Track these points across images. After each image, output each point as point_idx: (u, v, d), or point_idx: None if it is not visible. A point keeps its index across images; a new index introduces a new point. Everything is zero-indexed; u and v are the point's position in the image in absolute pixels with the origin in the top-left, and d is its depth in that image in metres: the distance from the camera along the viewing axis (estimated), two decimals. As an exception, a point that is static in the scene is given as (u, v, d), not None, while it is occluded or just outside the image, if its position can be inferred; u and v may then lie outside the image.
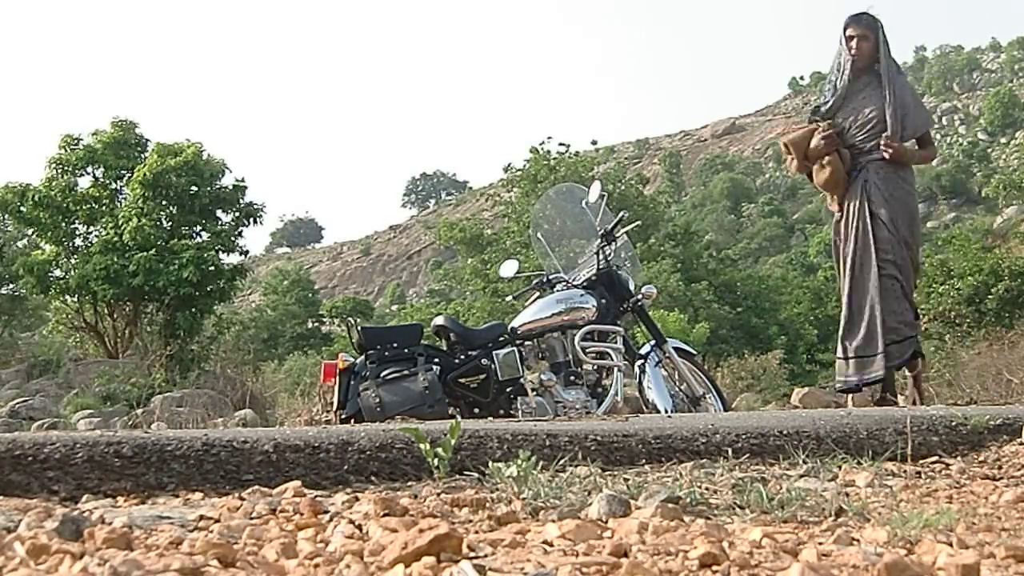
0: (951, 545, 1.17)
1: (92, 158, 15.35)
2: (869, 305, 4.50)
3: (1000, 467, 2.16)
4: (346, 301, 42.58)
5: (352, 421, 4.51)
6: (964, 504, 1.60)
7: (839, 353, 4.68)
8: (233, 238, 15.38)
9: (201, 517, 1.38)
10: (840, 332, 4.64)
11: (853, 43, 4.62)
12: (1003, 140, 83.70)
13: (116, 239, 14.40)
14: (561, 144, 27.41)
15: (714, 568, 1.05)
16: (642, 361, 5.02)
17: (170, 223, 15.09)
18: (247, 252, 16.15)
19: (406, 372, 4.73)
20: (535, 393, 4.86)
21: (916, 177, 4.91)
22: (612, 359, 4.95)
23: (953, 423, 2.53)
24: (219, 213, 15.51)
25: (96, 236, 15.09)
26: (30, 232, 16.39)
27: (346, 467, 1.83)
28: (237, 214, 15.57)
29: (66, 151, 15.26)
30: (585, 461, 1.91)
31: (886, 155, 4.51)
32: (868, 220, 4.55)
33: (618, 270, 5.24)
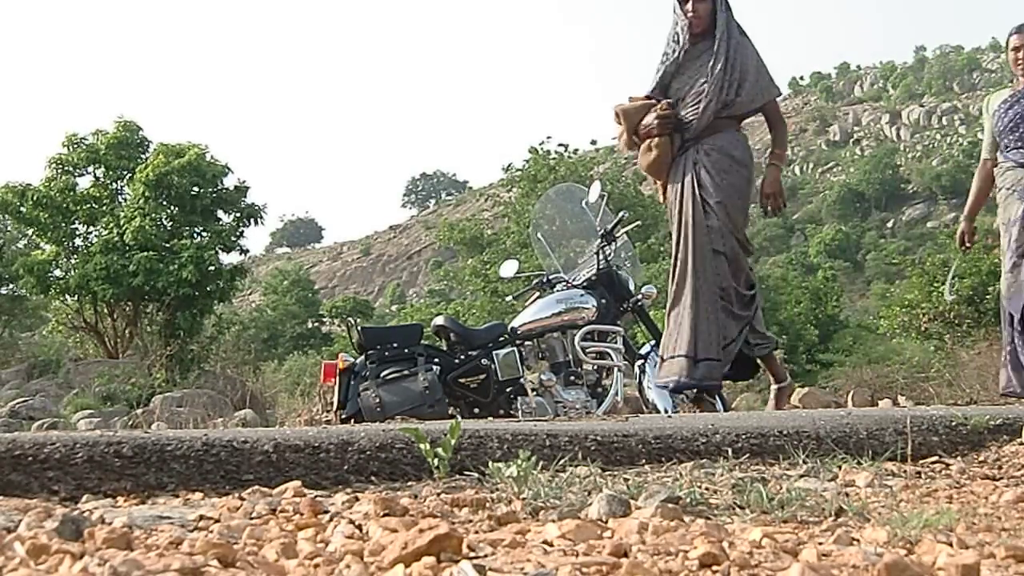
0: (951, 545, 1.17)
1: (94, 158, 15.35)
2: (694, 308, 4.00)
3: (1000, 467, 2.16)
4: (346, 301, 42.59)
5: (352, 421, 4.52)
6: (964, 504, 1.60)
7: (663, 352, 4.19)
8: (234, 238, 15.39)
9: (201, 517, 1.38)
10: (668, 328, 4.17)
11: (688, 6, 4.13)
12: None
13: (116, 239, 14.41)
14: (560, 144, 27.43)
15: (714, 568, 1.05)
16: (642, 361, 5.02)
17: (171, 223, 15.10)
18: (247, 251, 16.16)
19: (406, 372, 4.74)
20: (535, 393, 4.86)
21: (750, 153, 4.35)
22: (612, 359, 4.95)
23: (953, 423, 2.53)
24: (220, 213, 15.53)
25: (96, 236, 15.10)
26: (30, 232, 16.39)
27: (346, 467, 1.83)
28: (238, 214, 15.58)
29: (69, 150, 15.26)
30: (585, 461, 1.91)
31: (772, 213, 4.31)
32: (697, 208, 4.06)
33: (618, 270, 5.25)
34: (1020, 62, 4.46)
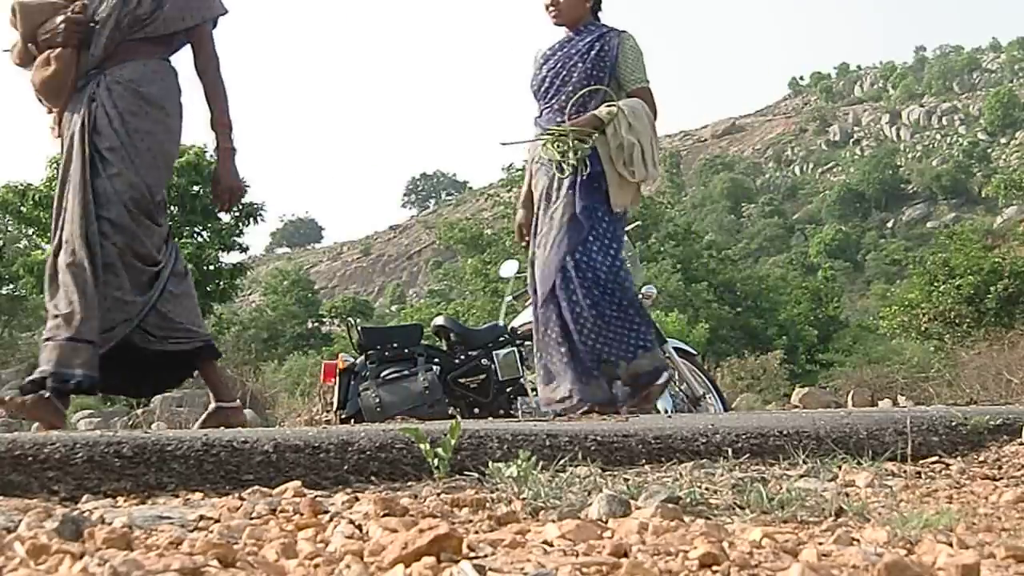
0: (951, 545, 1.17)
1: (95, 158, 15.36)
2: (79, 280, 3.05)
3: (1000, 467, 2.16)
4: (346, 301, 42.61)
5: (352, 421, 4.52)
6: (964, 504, 1.60)
7: None
8: (233, 238, 15.39)
9: (201, 517, 1.38)
10: None
11: None
12: (1003, 140, 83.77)
13: (116, 239, 14.41)
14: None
15: (714, 568, 1.05)
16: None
17: (170, 223, 15.11)
18: (247, 249, 16.17)
19: (406, 372, 4.74)
20: (535, 393, 4.86)
21: (173, 91, 3.32)
22: (612, 359, 4.94)
23: (953, 423, 2.53)
24: (220, 213, 15.53)
25: (96, 236, 15.09)
26: (30, 232, 16.40)
27: (346, 467, 1.83)
28: (238, 214, 15.59)
29: (69, 150, 15.27)
30: (585, 461, 1.91)
31: None
32: (84, 160, 3.13)
33: (618, 270, 5.24)
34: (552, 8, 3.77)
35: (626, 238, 5.53)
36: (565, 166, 3.59)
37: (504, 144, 3.82)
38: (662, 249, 25.11)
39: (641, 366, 3.52)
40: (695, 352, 5.56)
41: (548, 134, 3.64)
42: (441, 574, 1.00)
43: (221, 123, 3.36)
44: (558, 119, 3.67)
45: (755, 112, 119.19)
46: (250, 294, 53.77)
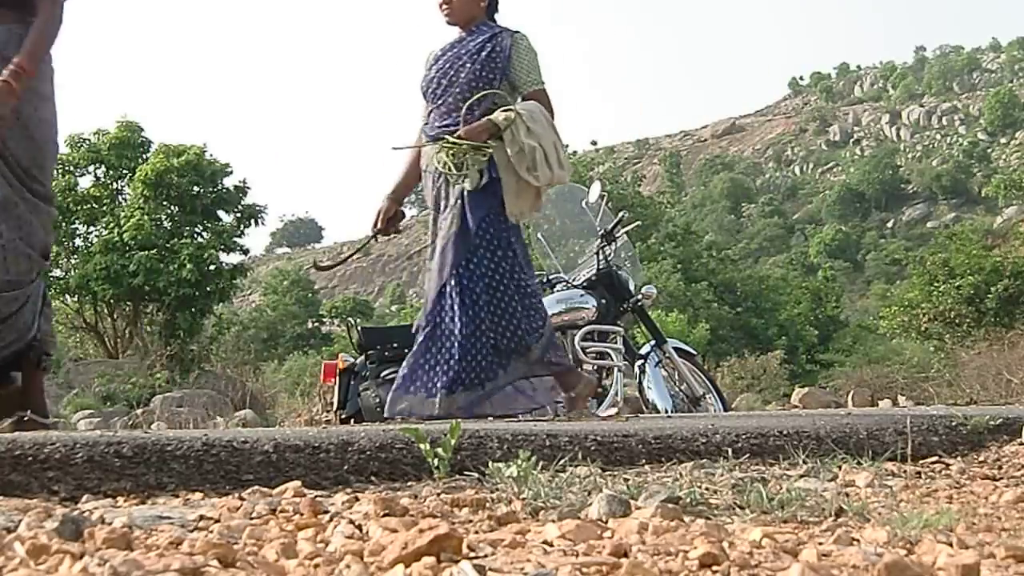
0: (951, 545, 1.17)
1: (95, 157, 15.35)
2: None
3: (1000, 467, 2.16)
4: (346, 301, 42.60)
5: (352, 421, 4.51)
6: (964, 504, 1.60)
7: None
8: (234, 238, 15.39)
9: (201, 517, 1.38)
10: None
11: None
12: (1003, 140, 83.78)
13: (116, 239, 14.40)
14: (560, 144, 27.37)
15: (714, 568, 1.05)
16: (642, 361, 5.02)
17: (171, 223, 15.10)
18: (247, 251, 16.17)
19: (406, 372, 4.73)
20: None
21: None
22: (612, 359, 4.94)
23: (953, 423, 2.53)
24: (220, 213, 15.53)
25: (96, 236, 15.10)
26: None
27: (346, 467, 1.83)
28: (238, 214, 15.58)
29: (71, 150, 15.27)
30: (585, 461, 1.91)
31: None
32: None
33: (618, 270, 5.24)
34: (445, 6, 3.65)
35: (626, 238, 5.56)
36: (459, 178, 3.46)
37: (396, 149, 3.69)
38: (662, 249, 25.11)
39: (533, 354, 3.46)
40: (695, 352, 5.56)
41: (443, 145, 3.48)
42: (441, 574, 1.00)
43: (23, 62, 2.78)
44: (446, 122, 3.53)
45: (755, 112, 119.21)
46: (250, 294, 53.79)
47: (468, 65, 3.56)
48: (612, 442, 2.12)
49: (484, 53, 3.56)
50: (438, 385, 3.39)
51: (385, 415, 3.58)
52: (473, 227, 3.42)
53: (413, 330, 3.61)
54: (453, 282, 3.42)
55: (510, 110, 3.44)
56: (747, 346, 20.73)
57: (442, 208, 3.53)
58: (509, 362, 3.46)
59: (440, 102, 3.59)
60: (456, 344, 3.39)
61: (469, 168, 3.43)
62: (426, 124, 3.64)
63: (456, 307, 3.42)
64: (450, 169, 3.46)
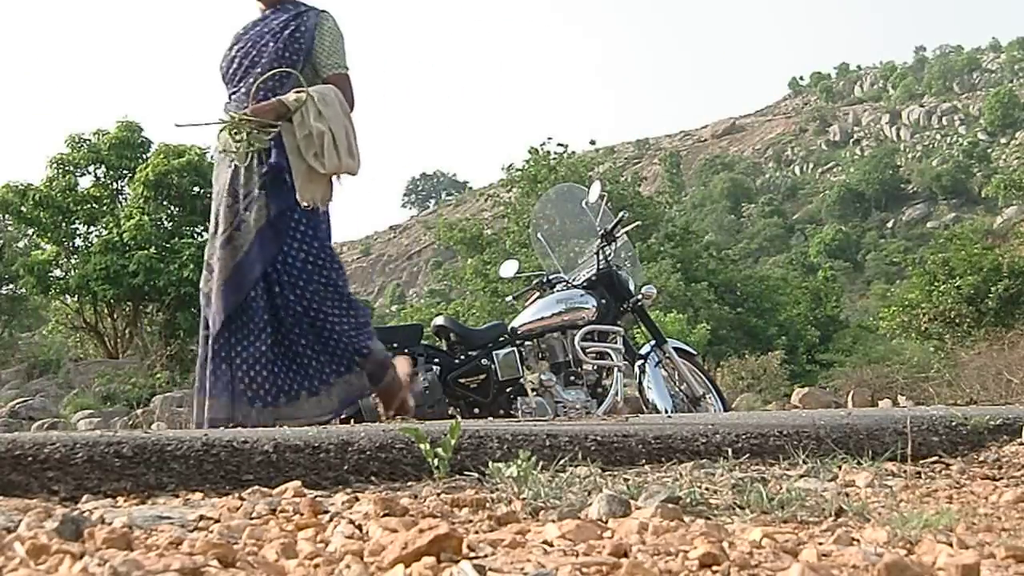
0: (951, 545, 1.17)
1: (95, 158, 15.35)
2: None
3: (1000, 467, 2.16)
4: (346, 301, 42.42)
5: (352, 421, 4.51)
6: (964, 504, 1.60)
7: None
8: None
9: (201, 517, 1.38)
10: None
11: None
12: (1003, 140, 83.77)
13: (116, 239, 14.40)
14: (560, 144, 27.41)
15: (714, 568, 1.05)
16: (642, 361, 5.02)
17: (171, 223, 15.10)
18: (248, 252, 16.16)
19: (406, 372, 4.73)
20: (535, 393, 4.86)
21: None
22: (612, 359, 4.94)
23: (953, 423, 2.53)
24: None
25: (96, 236, 15.10)
26: (30, 232, 16.40)
27: (346, 467, 1.83)
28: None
29: (71, 150, 15.27)
30: (585, 461, 1.91)
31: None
32: None
33: (618, 270, 5.24)
34: None
35: (626, 238, 5.56)
36: (240, 157, 3.26)
37: (178, 126, 3.47)
38: (662, 249, 25.10)
39: (349, 388, 3.30)
40: (695, 352, 5.56)
41: (225, 121, 3.28)
42: (441, 574, 1.00)
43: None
44: (246, 106, 3.30)
45: (755, 112, 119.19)
46: (250, 294, 53.67)
47: (271, 44, 3.35)
48: (612, 442, 2.12)
49: (287, 32, 3.35)
50: (234, 392, 3.15)
51: (194, 424, 3.32)
52: (279, 221, 3.23)
53: (205, 334, 3.30)
54: (262, 284, 3.20)
55: (302, 91, 3.23)
56: (747, 346, 20.72)
57: (240, 196, 3.29)
58: (322, 379, 3.24)
59: (241, 84, 3.36)
60: (260, 350, 3.17)
61: (250, 148, 3.23)
62: (227, 106, 3.42)
63: (263, 308, 3.20)
64: (234, 149, 3.26)
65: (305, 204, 3.26)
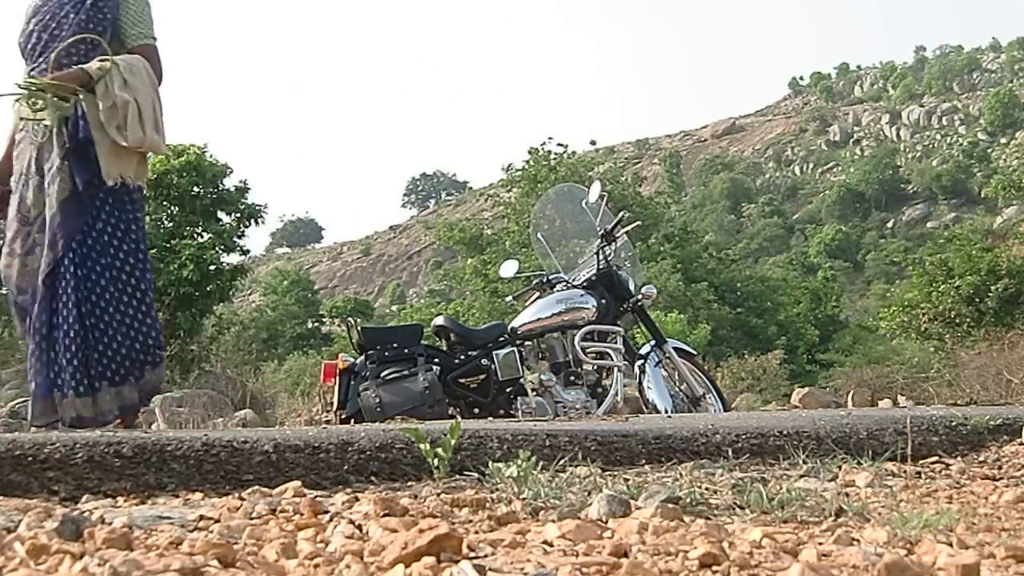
0: (951, 545, 1.17)
1: (94, 158, 15.34)
2: None
3: (1000, 467, 2.16)
4: (346, 301, 42.58)
5: (352, 421, 4.51)
6: (964, 504, 1.60)
7: None
8: (234, 238, 15.38)
9: (201, 517, 1.38)
10: None
11: None
12: (1003, 140, 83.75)
13: (116, 239, 14.39)
14: (560, 144, 27.43)
15: (714, 568, 1.05)
16: (642, 361, 5.02)
17: (171, 223, 15.09)
18: (248, 252, 16.16)
19: (406, 372, 4.73)
20: (535, 393, 4.86)
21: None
22: (612, 359, 4.94)
23: (953, 423, 2.53)
24: (220, 214, 15.51)
25: (96, 236, 15.07)
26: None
27: (346, 467, 1.83)
28: (238, 214, 15.57)
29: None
30: (585, 461, 1.91)
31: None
32: None
33: (618, 270, 5.24)
34: None
35: (626, 238, 5.56)
36: (41, 130, 3.05)
37: None
38: (662, 249, 25.11)
39: (149, 383, 3.10)
40: (695, 352, 5.56)
41: (23, 88, 3.05)
42: (441, 574, 1.00)
43: None
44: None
45: (755, 112, 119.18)
46: (250, 294, 53.77)
47: (72, 15, 3.15)
48: (612, 442, 2.12)
49: (90, 1, 3.15)
50: (58, 383, 3.06)
51: (31, 425, 3.17)
52: (85, 196, 3.02)
53: (27, 329, 3.17)
54: (67, 260, 3.00)
55: (106, 60, 3.05)
56: (747, 346, 20.71)
57: (45, 172, 3.07)
58: (110, 377, 3.04)
59: (41, 59, 3.15)
60: (71, 337, 3.00)
61: (50, 117, 3.03)
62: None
63: (71, 291, 2.99)
64: (32, 118, 3.05)
65: (111, 182, 3.06)
